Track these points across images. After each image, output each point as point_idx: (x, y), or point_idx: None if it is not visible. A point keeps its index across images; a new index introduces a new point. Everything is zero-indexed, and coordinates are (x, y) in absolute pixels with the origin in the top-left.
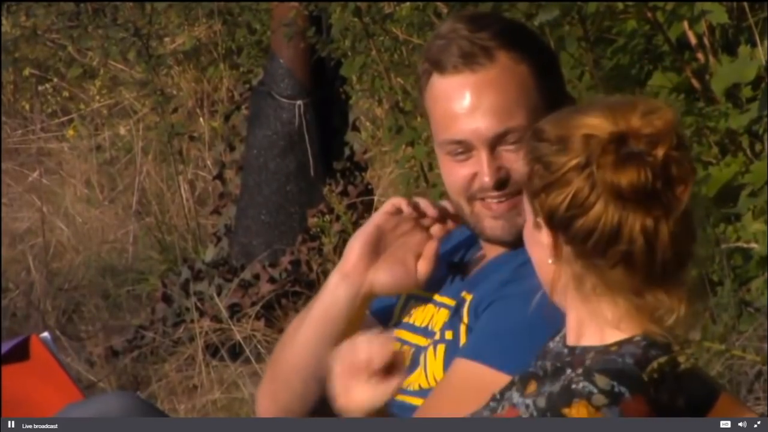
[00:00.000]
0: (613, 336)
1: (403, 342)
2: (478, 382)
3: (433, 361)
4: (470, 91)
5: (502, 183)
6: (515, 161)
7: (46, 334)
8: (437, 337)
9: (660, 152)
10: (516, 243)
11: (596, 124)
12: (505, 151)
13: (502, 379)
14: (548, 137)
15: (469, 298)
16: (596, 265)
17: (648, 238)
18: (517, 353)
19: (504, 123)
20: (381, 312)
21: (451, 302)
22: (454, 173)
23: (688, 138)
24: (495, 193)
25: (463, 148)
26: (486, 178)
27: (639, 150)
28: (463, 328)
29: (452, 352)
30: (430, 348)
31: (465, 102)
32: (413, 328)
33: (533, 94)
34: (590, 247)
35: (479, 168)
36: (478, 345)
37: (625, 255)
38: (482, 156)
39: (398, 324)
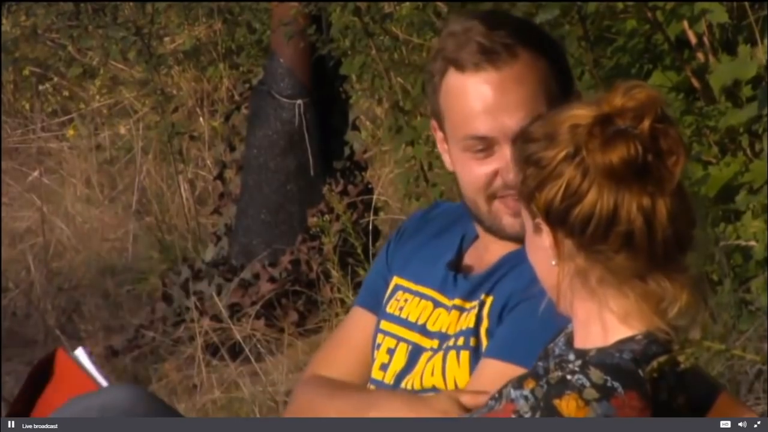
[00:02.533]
0: (617, 334)
1: (395, 337)
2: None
3: (457, 368)
4: (494, 87)
5: None
6: None
7: (79, 349)
8: (459, 342)
9: (646, 124)
10: None
11: (580, 113)
12: None
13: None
14: (535, 137)
15: (489, 300)
16: (599, 252)
17: (646, 216)
18: None
19: (530, 117)
20: (371, 303)
21: (466, 304)
22: (474, 171)
23: (688, 137)
24: (515, 191)
25: (484, 145)
26: (511, 175)
27: (625, 126)
28: (483, 332)
29: (477, 358)
30: (450, 353)
31: (489, 99)
32: (406, 324)
33: (553, 88)
34: (590, 234)
35: (502, 164)
36: (507, 344)
37: (626, 237)
38: (507, 152)
39: (384, 315)
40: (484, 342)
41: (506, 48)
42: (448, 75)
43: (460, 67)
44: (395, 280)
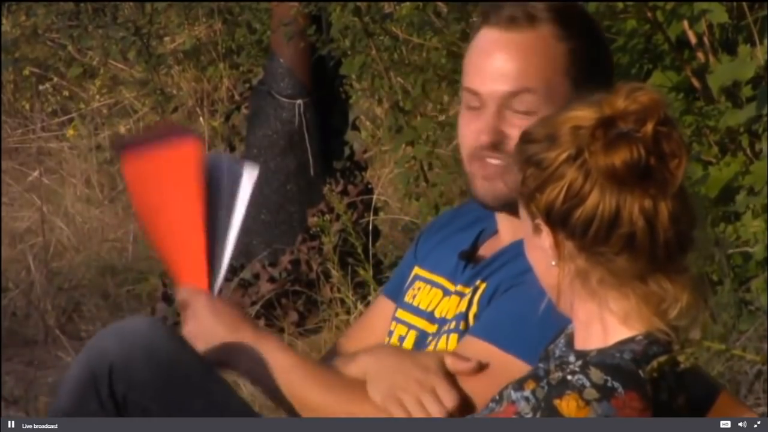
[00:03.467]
0: (617, 335)
1: (406, 324)
2: (486, 361)
3: (443, 348)
4: (501, 48)
5: (496, 145)
6: (518, 129)
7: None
8: (452, 326)
9: (649, 128)
10: (499, 208)
11: (582, 114)
12: (513, 115)
13: (511, 361)
14: (536, 137)
15: (483, 286)
16: (600, 254)
17: (648, 218)
18: (529, 339)
19: (518, 84)
20: (395, 292)
21: (465, 290)
22: (465, 126)
23: (688, 137)
24: (490, 153)
25: (478, 102)
26: (484, 136)
27: (628, 129)
28: (471, 316)
29: None
30: (443, 336)
31: (492, 57)
32: (417, 311)
33: (561, 77)
34: (592, 236)
35: (482, 125)
36: (491, 325)
37: (628, 239)
38: (488, 113)
39: (400, 304)
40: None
41: (530, 16)
42: (480, 29)
43: (487, 21)
44: (415, 270)
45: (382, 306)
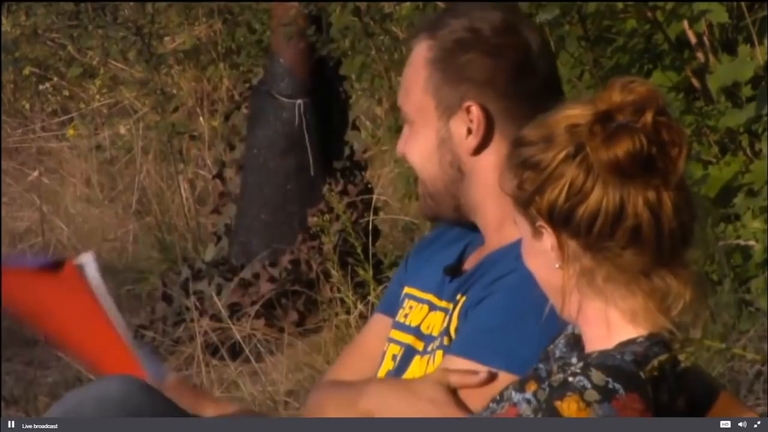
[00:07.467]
0: (621, 335)
1: (399, 343)
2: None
3: (433, 367)
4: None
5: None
6: (405, 143)
7: (88, 256)
8: (437, 343)
9: (648, 117)
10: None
11: (576, 113)
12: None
13: (494, 373)
14: (530, 140)
15: (462, 300)
16: (606, 249)
17: (653, 210)
18: (507, 347)
19: (399, 99)
20: (389, 308)
21: (449, 305)
22: None
23: (688, 137)
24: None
25: None
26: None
27: (627, 120)
28: (453, 331)
29: None
30: (431, 356)
31: None
32: (407, 328)
33: (423, 94)
34: (597, 232)
35: None
36: (467, 341)
37: (634, 232)
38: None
39: (394, 324)
40: None
41: (424, 27)
42: None
43: None
44: (405, 290)
45: (374, 323)
